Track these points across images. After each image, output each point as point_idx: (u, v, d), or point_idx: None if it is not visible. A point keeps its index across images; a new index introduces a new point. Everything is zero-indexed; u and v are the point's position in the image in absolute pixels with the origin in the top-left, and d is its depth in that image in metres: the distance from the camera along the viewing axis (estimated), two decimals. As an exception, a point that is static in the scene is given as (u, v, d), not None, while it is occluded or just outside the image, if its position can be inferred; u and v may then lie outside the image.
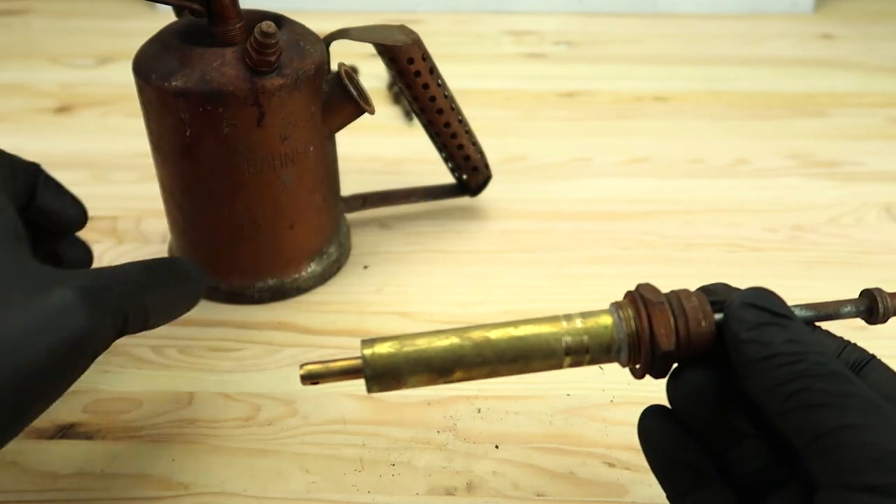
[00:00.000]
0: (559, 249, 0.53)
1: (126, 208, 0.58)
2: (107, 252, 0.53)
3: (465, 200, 0.57)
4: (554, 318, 0.29)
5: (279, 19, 0.45)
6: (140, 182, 0.61)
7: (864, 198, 0.59)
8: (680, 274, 0.50)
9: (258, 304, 0.48)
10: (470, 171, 0.54)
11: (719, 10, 0.94)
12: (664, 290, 0.29)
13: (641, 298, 0.29)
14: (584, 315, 0.29)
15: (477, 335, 0.28)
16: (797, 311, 0.29)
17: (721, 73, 0.79)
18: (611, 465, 0.38)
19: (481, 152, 0.53)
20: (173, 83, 0.41)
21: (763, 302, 0.27)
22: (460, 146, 0.52)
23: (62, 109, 0.73)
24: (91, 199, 0.59)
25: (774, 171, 0.63)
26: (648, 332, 0.28)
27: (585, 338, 0.28)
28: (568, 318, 0.29)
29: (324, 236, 0.49)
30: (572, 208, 0.58)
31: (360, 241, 0.54)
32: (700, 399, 0.29)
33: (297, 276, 0.48)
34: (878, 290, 0.30)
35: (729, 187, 0.60)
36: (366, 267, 0.52)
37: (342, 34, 0.47)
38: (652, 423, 0.30)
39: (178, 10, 0.45)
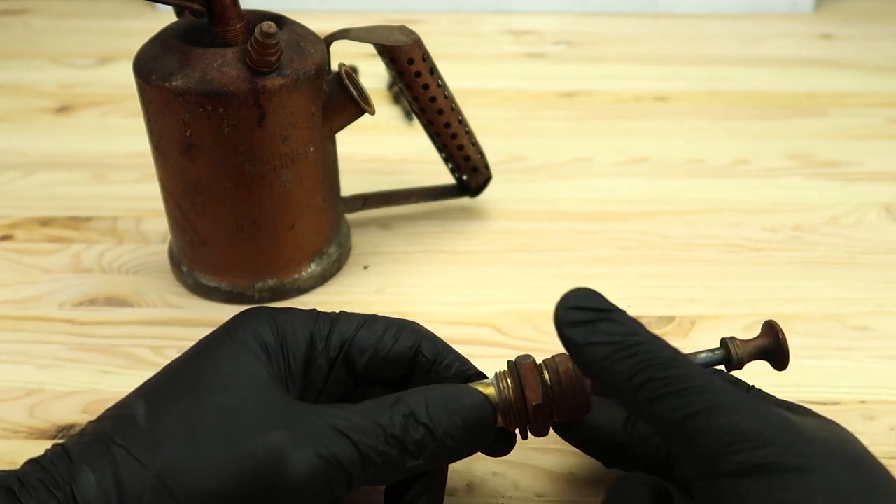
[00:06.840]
0: (559, 249, 0.53)
1: (126, 208, 0.58)
2: (106, 252, 0.53)
3: (465, 200, 0.57)
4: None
5: (280, 20, 0.45)
6: (140, 182, 0.61)
7: (863, 198, 0.59)
8: (680, 274, 0.50)
9: (258, 305, 0.48)
10: (470, 172, 0.54)
11: (719, 9, 0.94)
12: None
13: (515, 366, 0.32)
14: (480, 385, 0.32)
15: None
16: None
17: (721, 73, 0.79)
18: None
19: (481, 152, 0.53)
20: (174, 83, 0.41)
21: (588, 302, 0.26)
22: (460, 146, 0.52)
23: (62, 109, 0.73)
24: (91, 199, 0.60)
25: (774, 171, 0.63)
26: (521, 393, 0.31)
27: None
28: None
29: (324, 236, 0.49)
30: (572, 208, 0.58)
31: (360, 241, 0.54)
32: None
33: (297, 276, 0.48)
34: (732, 339, 0.32)
35: (729, 187, 0.60)
36: (366, 267, 0.52)
37: (342, 34, 0.47)
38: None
39: (179, 11, 0.45)
